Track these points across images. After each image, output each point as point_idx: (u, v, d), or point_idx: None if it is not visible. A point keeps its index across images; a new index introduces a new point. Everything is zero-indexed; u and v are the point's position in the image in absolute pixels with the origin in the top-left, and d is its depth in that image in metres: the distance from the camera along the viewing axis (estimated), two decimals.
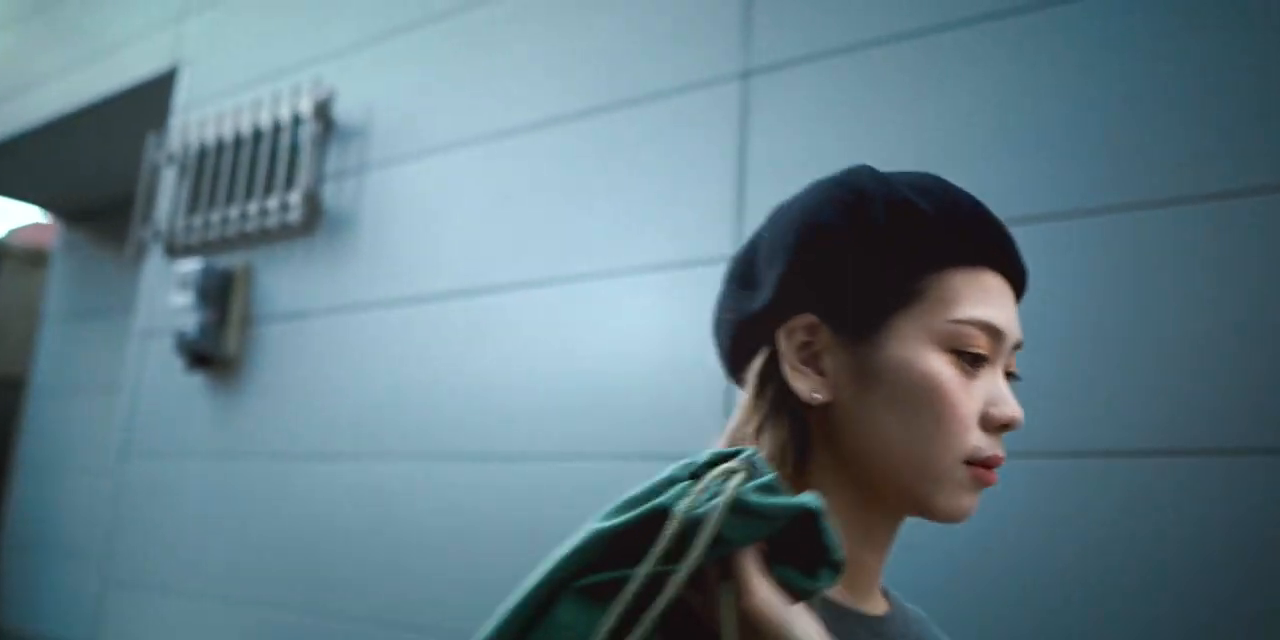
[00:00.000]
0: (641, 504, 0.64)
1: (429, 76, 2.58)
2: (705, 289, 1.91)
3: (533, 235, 2.22)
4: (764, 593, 0.62)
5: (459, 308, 2.30)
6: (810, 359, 0.73)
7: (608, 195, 2.12)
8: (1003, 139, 1.62)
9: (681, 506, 0.62)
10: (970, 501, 0.71)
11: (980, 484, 0.71)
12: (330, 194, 2.73)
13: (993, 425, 0.71)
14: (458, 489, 2.19)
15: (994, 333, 0.71)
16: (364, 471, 2.39)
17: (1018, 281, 0.74)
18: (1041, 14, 1.64)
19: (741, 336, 0.76)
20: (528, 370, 2.13)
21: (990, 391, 0.71)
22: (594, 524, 0.64)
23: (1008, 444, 0.72)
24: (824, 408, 0.72)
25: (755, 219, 1.88)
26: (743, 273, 0.78)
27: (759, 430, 0.72)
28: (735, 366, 0.78)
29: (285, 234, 2.80)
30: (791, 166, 1.86)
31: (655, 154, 2.06)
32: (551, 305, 2.13)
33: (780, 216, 0.77)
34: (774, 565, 0.63)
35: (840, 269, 0.72)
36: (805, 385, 0.71)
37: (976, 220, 0.73)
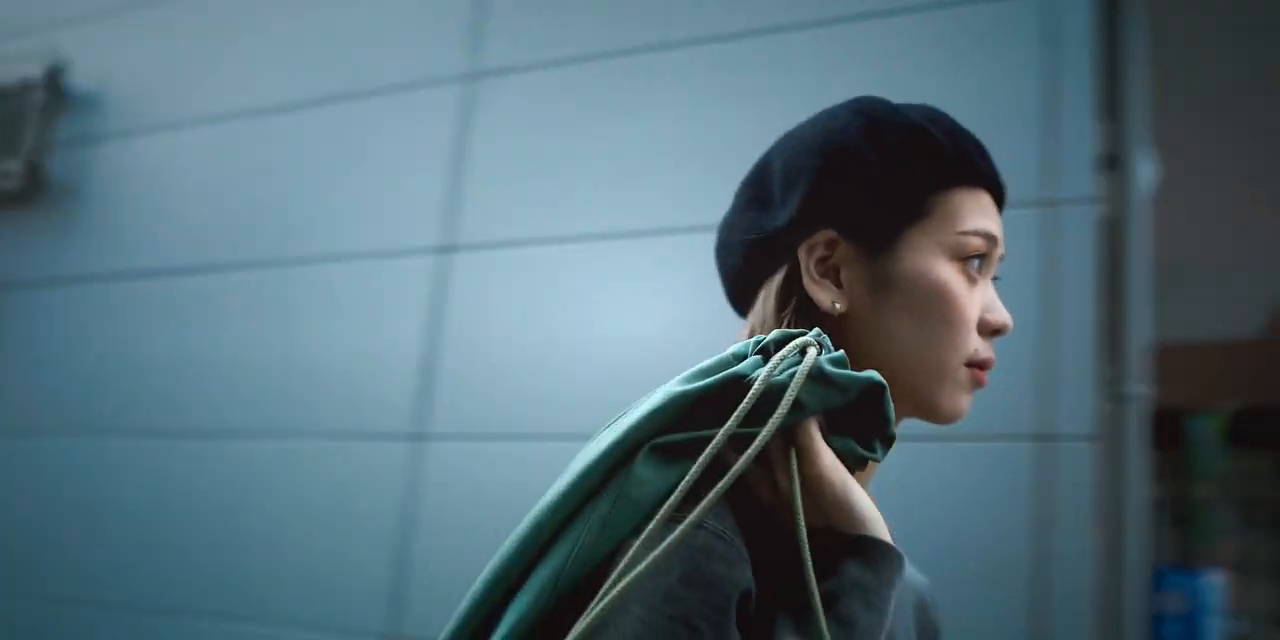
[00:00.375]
0: (713, 374, 0.66)
1: (167, 53, 2.55)
2: (409, 280, 2.00)
3: (257, 217, 2.24)
4: (829, 459, 0.66)
5: (179, 285, 2.28)
6: (829, 272, 0.77)
7: (329, 183, 2.17)
8: (698, 154, 1.78)
9: (762, 373, 0.64)
10: (967, 401, 0.78)
11: (976, 385, 0.78)
12: (55, 164, 2.64)
13: (987, 330, 0.78)
14: (166, 465, 2.17)
15: (993, 241, 0.78)
16: (67, 448, 2.33)
17: (1000, 202, 0.82)
18: (733, 44, 1.82)
19: (757, 254, 0.79)
20: (240, 349, 2.15)
21: (985, 299, 0.78)
22: (671, 388, 0.66)
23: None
24: (839, 318, 0.76)
25: (470, 215, 1.98)
26: (755, 196, 0.82)
27: None
28: (745, 285, 0.81)
29: (1, 202, 2.68)
30: (506, 168, 1.97)
31: (378, 146, 2.13)
32: (266, 286, 2.16)
33: (793, 142, 0.81)
34: (832, 437, 0.67)
35: (860, 188, 0.77)
36: (826, 296, 0.76)
37: (976, 147, 0.81)
